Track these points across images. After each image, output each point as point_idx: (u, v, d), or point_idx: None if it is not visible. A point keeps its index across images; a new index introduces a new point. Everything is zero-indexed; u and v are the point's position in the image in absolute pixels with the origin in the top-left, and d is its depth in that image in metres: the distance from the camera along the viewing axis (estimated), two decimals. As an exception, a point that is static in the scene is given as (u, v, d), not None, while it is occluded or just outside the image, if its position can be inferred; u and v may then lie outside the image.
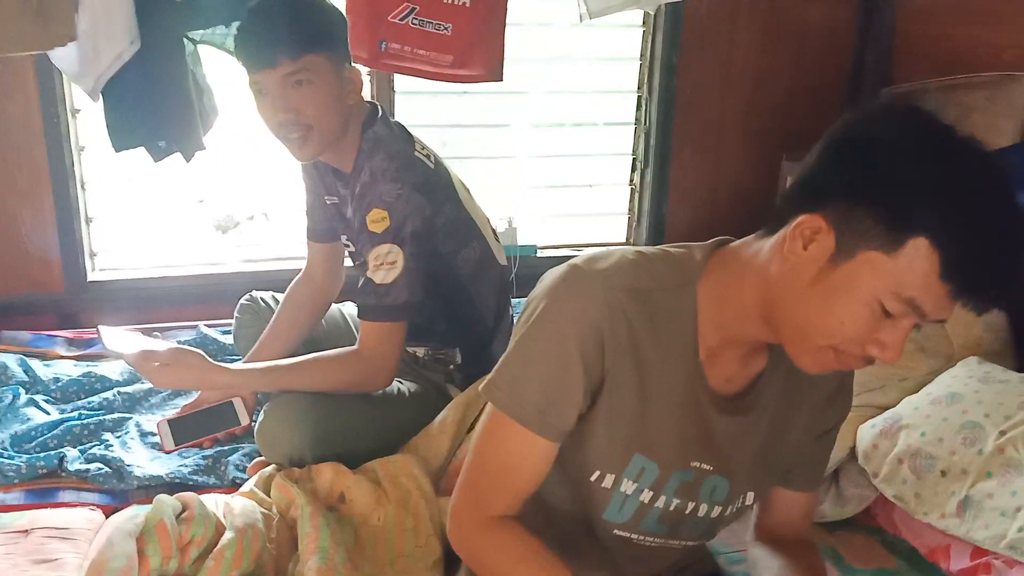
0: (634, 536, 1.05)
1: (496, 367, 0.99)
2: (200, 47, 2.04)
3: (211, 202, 2.78)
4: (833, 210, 0.85)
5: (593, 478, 1.01)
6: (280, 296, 1.98)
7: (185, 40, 1.99)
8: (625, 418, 0.98)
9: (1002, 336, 1.87)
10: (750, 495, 1.08)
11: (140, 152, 2.07)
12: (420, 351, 1.83)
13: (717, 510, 1.06)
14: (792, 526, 1.16)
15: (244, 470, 1.65)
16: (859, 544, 1.59)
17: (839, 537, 1.60)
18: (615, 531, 1.05)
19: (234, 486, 1.60)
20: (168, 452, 1.73)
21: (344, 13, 1.61)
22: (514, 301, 1.93)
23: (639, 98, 2.62)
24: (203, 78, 2.07)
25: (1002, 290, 0.82)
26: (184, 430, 1.77)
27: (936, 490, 1.51)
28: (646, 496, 1.01)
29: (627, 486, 1.01)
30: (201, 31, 2.01)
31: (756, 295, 0.93)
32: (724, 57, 2.57)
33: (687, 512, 1.04)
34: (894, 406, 1.68)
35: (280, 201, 2.60)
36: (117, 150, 2.04)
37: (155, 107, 1.98)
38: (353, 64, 1.64)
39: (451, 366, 1.81)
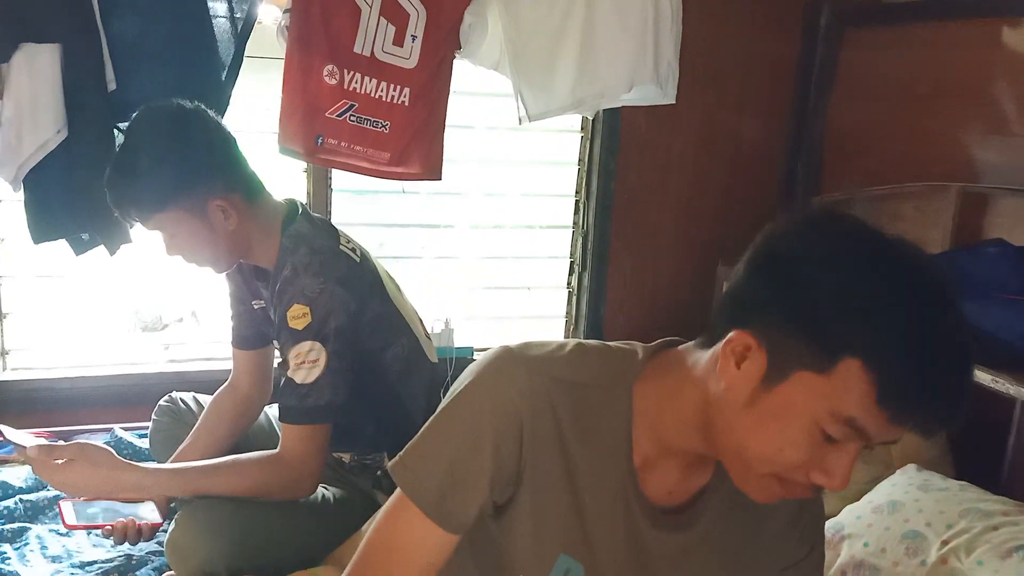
0: None
1: (408, 443, 0.93)
2: (131, 139, 2.01)
3: (140, 303, 2.70)
4: (762, 327, 0.79)
5: None
6: (202, 397, 1.89)
7: (115, 131, 1.96)
8: (553, 516, 0.91)
9: (939, 442, 1.87)
10: None
11: (61, 245, 2.00)
12: (346, 456, 1.74)
13: None
14: None
15: (150, 586, 1.52)
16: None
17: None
18: None
19: (138, 605, 1.47)
20: (68, 527, 1.53)
21: (198, 152, 1.50)
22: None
23: (577, 202, 2.65)
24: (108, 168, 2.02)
25: (945, 415, 0.75)
26: (89, 511, 1.57)
27: (881, 604, 1.46)
28: None
29: None
30: (133, 123, 1.98)
31: (694, 409, 0.86)
32: (661, 163, 2.62)
33: None
34: (835, 515, 1.65)
35: (209, 300, 2.52)
36: (36, 242, 1.98)
37: (79, 198, 1.93)
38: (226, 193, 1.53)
39: (379, 471, 1.72)
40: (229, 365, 1.86)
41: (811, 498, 0.98)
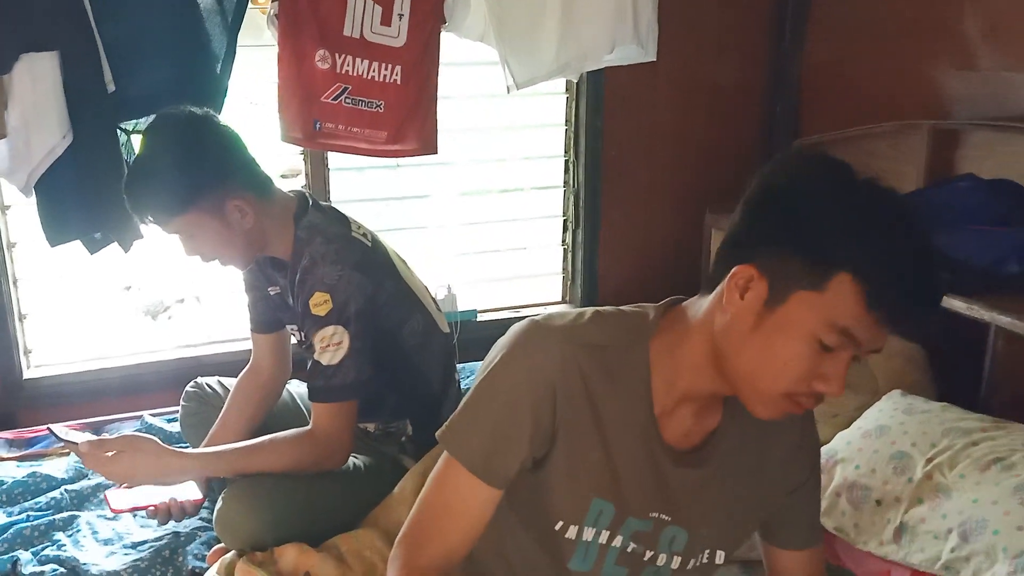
0: None
1: (453, 413, 1.04)
2: (134, 136, 2.07)
3: (139, 288, 2.77)
4: (762, 258, 0.91)
5: (557, 527, 1.05)
6: (226, 380, 1.98)
7: (118, 130, 2.02)
8: (586, 465, 1.03)
9: (921, 366, 2.00)
10: (719, 554, 1.11)
11: (74, 245, 2.08)
12: (371, 427, 1.85)
13: (677, 561, 1.09)
14: None
15: (203, 559, 1.63)
16: (808, 578, 1.65)
17: (789, 573, 1.66)
18: None
19: (194, 576, 1.59)
20: (115, 512, 1.66)
21: (213, 155, 1.58)
22: (459, 366, 1.96)
23: (566, 162, 2.73)
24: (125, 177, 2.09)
25: (924, 313, 0.89)
26: (133, 495, 1.67)
27: (873, 519, 1.59)
28: (604, 537, 1.05)
29: (588, 534, 1.05)
30: (134, 120, 2.05)
31: (705, 348, 0.98)
32: (645, 119, 2.70)
33: (646, 559, 1.08)
34: (828, 442, 1.77)
35: (211, 283, 2.59)
36: (52, 245, 2.05)
37: (90, 199, 2.00)
38: (237, 194, 1.59)
39: (403, 438, 1.83)
40: (239, 346, 1.95)
41: (809, 430, 1.13)
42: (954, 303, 1.80)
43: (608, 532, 1.05)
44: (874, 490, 1.62)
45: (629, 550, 1.07)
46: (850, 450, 1.71)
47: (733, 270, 0.93)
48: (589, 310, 1.05)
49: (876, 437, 1.71)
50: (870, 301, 0.86)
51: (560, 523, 1.05)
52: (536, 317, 1.04)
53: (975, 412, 1.73)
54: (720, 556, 1.12)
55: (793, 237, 0.90)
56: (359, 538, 1.58)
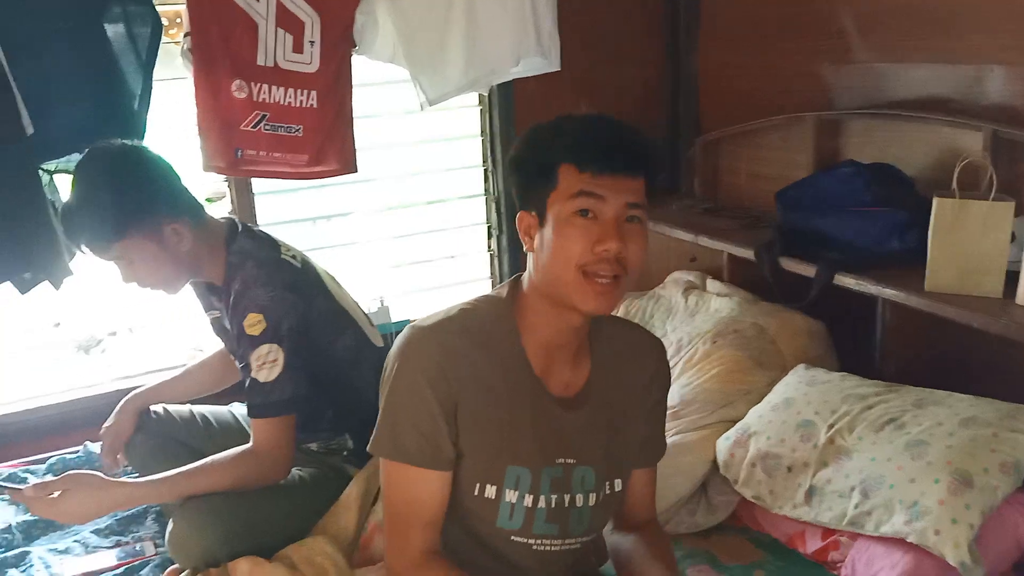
0: (532, 542, 1.22)
1: (375, 426, 1.19)
2: (56, 176, 2.10)
3: (70, 324, 2.76)
4: (517, 202, 1.19)
5: (476, 492, 1.19)
6: (172, 407, 2.03)
7: (40, 171, 2.04)
8: (488, 432, 1.18)
9: (823, 341, 2.15)
10: (617, 482, 1.29)
11: (3, 286, 2.08)
12: (313, 445, 1.92)
13: (592, 498, 1.25)
14: (642, 506, 1.38)
15: (158, 582, 1.68)
16: (731, 544, 1.79)
17: (713, 541, 1.80)
18: (512, 537, 1.22)
19: (150, 600, 1.64)
20: None
21: (149, 182, 1.65)
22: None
23: (485, 171, 2.84)
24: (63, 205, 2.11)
25: (612, 153, 1.13)
26: None
27: (786, 485, 1.73)
28: (528, 500, 1.20)
29: (510, 496, 1.19)
30: (55, 161, 2.07)
31: (540, 295, 1.18)
32: (556, 125, 2.81)
33: (567, 505, 1.23)
34: (743, 418, 1.91)
35: (143, 314, 2.61)
36: (-19, 288, 2.05)
37: (16, 241, 2.00)
38: (174, 219, 1.66)
39: (345, 452, 1.90)
40: (177, 374, 2.04)
41: (662, 365, 1.34)
42: (845, 280, 1.96)
43: (531, 496, 1.20)
44: (784, 458, 1.75)
45: (554, 505, 1.21)
46: (761, 423, 1.85)
47: (516, 220, 1.20)
48: (457, 304, 1.23)
49: (784, 409, 1.85)
50: (580, 165, 1.12)
51: (477, 486, 1.19)
52: (413, 322, 1.21)
53: (871, 379, 1.89)
54: (619, 484, 1.29)
55: (520, 176, 1.19)
56: (309, 546, 1.65)
